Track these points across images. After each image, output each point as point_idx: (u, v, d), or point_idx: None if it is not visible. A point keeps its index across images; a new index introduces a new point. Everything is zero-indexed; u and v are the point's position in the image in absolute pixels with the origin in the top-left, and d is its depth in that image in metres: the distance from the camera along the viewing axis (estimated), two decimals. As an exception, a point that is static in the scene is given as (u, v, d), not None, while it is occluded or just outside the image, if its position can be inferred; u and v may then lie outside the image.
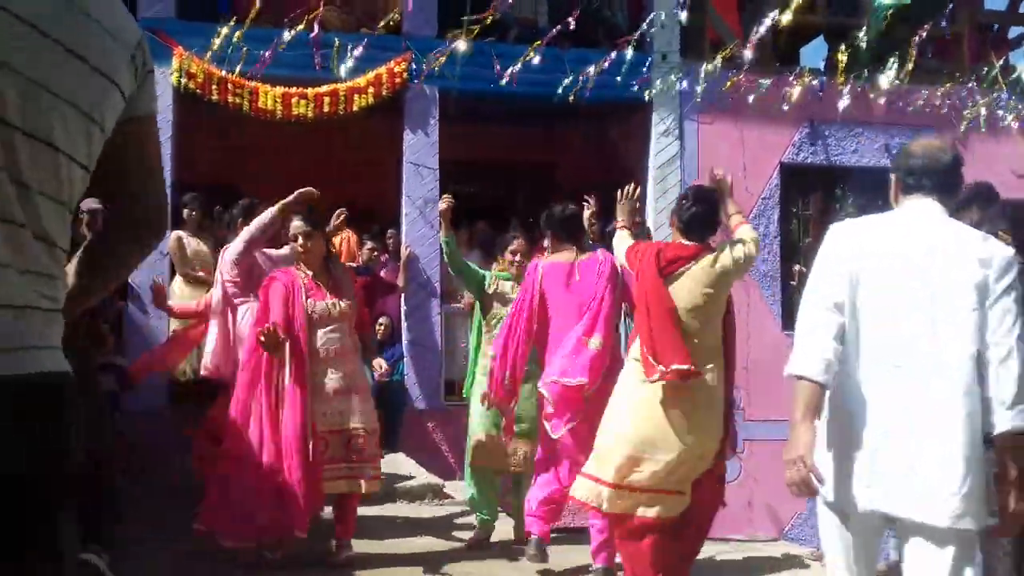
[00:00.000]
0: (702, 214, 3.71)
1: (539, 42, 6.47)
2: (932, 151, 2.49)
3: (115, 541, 3.68)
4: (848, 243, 2.43)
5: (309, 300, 4.16)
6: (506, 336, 4.30)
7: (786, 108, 7.48)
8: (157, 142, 1.33)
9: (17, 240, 1.06)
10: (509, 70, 6.50)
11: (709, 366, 3.58)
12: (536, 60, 6.54)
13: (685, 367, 3.45)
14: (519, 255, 4.92)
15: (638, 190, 4.30)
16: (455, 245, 4.90)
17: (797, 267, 7.37)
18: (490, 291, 4.88)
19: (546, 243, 4.63)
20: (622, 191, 4.22)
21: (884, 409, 2.29)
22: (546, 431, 4.17)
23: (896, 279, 2.34)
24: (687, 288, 3.62)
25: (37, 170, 1.08)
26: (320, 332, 4.15)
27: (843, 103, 7.41)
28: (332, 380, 4.12)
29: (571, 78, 6.78)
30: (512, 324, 4.32)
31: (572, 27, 6.31)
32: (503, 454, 4.64)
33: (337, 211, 5.24)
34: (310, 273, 4.24)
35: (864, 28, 6.64)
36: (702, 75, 7.18)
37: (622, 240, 4.04)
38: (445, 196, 4.97)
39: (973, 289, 2.27)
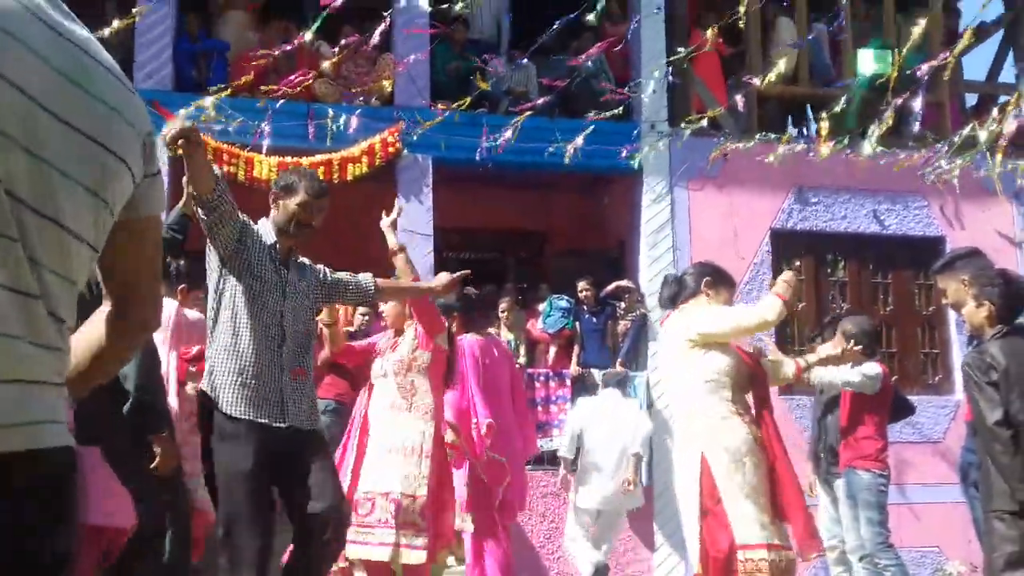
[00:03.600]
0: (672, 294, 3.93)
1: (529, 111, 6.58)
2: None
3: None
4: None
5: None
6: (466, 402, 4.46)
7: (773, 175, 7.59)
8: (159, 243, 1.33)
9: (32, 313, 1.06)
10: (499, 139, 6.60)
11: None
12: (526, 129, 6.65)
13: None
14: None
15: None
16: None
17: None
18: None
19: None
20: None
21: None
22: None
23: None
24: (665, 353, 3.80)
25: (46, 247, 1.08)
26: None
27: (829, 170, 7.53)
28: None
29: (560, 146, 6.88)
30: (467, 393, 4.48)
31: (562, 98, 6.44)
32: None
33: None
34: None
35: (845, 97, 6.79)
36: (685, 139, 7.31)
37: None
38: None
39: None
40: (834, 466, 5.15)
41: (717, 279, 3.77)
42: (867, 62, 8.12)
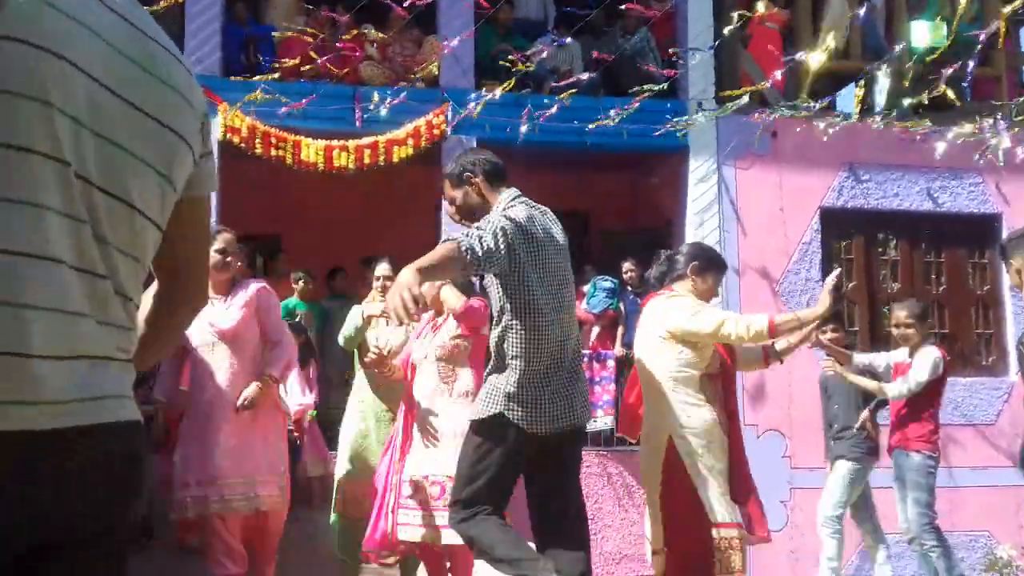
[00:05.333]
0: (660, 273, 3.90)
1: (574, 90, 6.55)
2: None
3: None
4: None
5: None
6: None
7: (823, 152, 7.46)
8: (208, 223, 1.37)
9: (98, 292, 1.09)
10: (543, 117, 6.59)
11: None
12: (571, 108, 6.63)
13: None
14: None
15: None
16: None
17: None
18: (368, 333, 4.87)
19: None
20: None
21: None
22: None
23: None
24: (639, 334, 3.78)
25: (114, 227, 1.11)
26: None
27: (880, 146, 7.37)
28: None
29: (606, 125, 6.84)
30: None
31: (607, 77, 6.40)
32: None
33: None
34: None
35: (893, 70, 6.64)
36: (731, 116, 7.19)
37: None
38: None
39: None
40: (850, 446, 5.28)
41: (706, 264, 3.73)
42: (921, 34, 7.91)
